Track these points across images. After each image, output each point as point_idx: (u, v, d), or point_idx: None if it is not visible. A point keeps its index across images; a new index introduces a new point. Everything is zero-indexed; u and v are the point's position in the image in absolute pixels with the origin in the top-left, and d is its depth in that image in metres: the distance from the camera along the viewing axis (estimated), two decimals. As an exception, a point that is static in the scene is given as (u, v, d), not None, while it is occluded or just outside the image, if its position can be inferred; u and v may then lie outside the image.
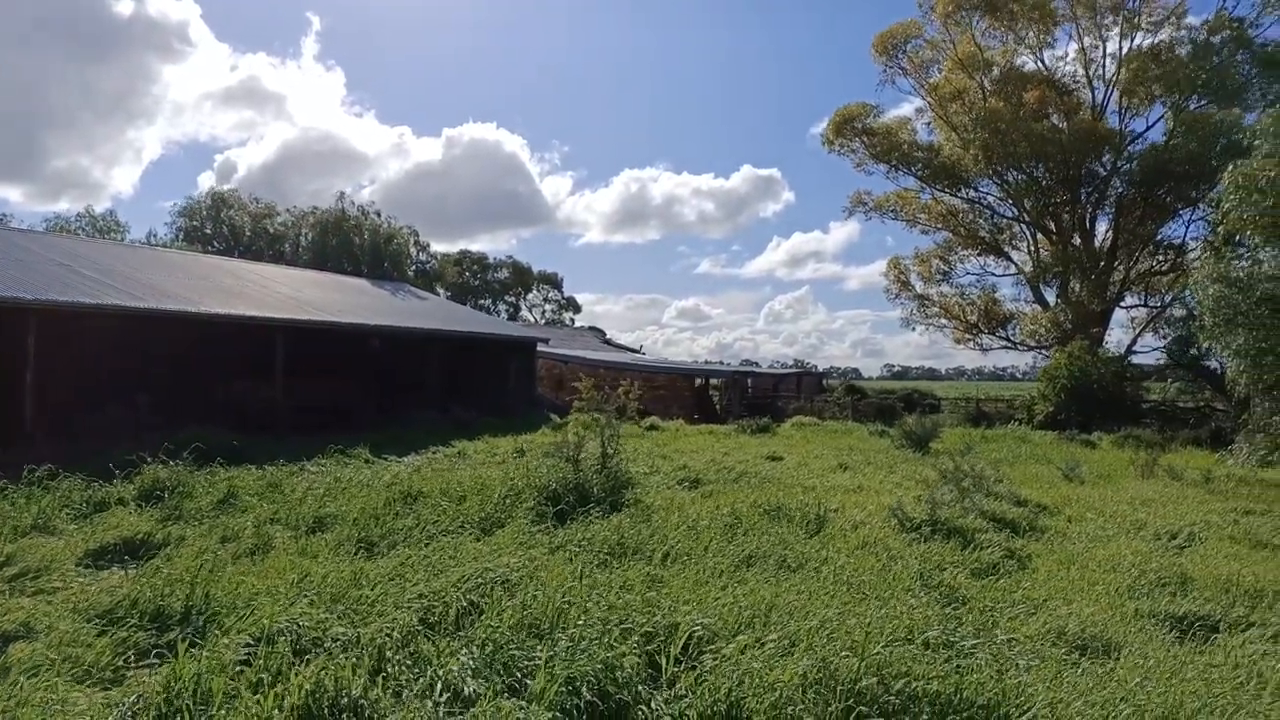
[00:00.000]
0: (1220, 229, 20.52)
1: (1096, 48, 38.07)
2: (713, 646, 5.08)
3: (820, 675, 4.56)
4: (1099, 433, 25.26)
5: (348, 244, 41.51)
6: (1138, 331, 38.14)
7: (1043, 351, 38.77)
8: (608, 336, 64.26)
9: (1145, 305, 38.62)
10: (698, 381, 42.78)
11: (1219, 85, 36.10)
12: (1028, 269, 40.33)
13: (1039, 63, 38.82)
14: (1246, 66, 35.63)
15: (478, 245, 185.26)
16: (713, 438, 25.49)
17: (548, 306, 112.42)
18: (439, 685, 4.66)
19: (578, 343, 44.69)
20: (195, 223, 45.53)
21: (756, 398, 40.67)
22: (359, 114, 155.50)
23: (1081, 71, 38.53)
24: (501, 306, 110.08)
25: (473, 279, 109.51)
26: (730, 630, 5.44)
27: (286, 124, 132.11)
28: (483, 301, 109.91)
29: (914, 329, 44.68)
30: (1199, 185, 34.40)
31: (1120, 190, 36.92)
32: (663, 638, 5.24)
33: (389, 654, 5.08)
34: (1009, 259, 42.26)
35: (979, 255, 43.29)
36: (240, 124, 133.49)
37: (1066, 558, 8.70)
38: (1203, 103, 35.79)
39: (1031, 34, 37.63)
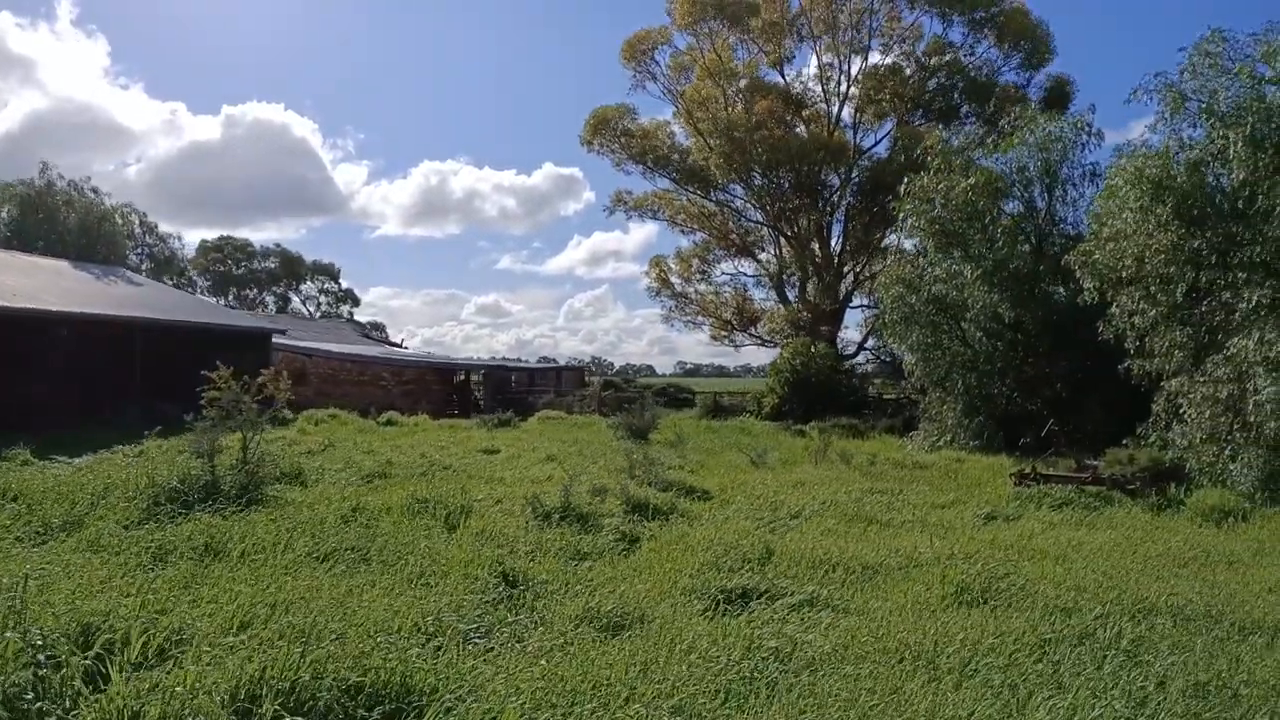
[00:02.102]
0: (901, 235, 22.69)
1: (832, 65, 41.02)
2: (174, 652, 4.71)
3: (258, 676, 4.30)
4: (815, 422, 27.15)
5: (54, 222, 36.82)
6: (867, 330, 41.58)
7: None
8: (370, 329, 61.67)
9: (871, 306, 42.14)
10: (459, 377, 42.02)
11: (939, 104, 40.13)
12: (773, 269, 42.89)
13: (781, 75, 41.35)
14: (959, 87, 39.94)
15: (263, 234, 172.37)
16: (448, 432, 25.00)
17: (323, 299, 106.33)
18: None
19: (331, 335, 42.49)
20: None
21: (518, 392, 40.59)
22: (125, 86, 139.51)
23: (820, 87, 41.43)
24: (270, 298, 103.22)
25: (235, 268, 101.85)
26: (220, 631, 5.09)
27: (37, 92, 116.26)
28: (247, 292, 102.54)
29: (674, 326, 46.32)
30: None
31: (850, 200, 40.06)
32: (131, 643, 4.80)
33: None
34: (758, 260, 44.77)
35: (733, 256, 45.52)
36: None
37: (675, 538, 9.07)
38: (922, 121, 39.55)
39: (771, 47, 39.92)
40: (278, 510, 9.43)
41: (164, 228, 68.37)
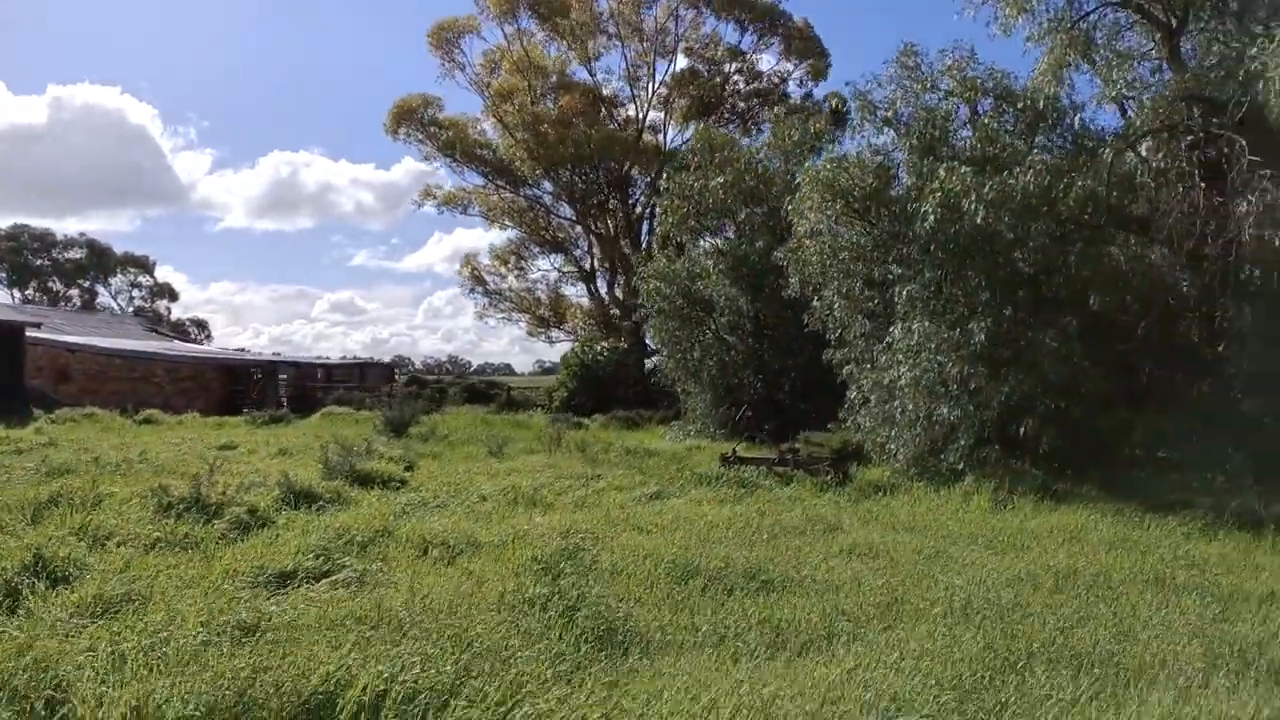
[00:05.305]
0: (660, 230, 23.39)
1: (640, 68, 41.80)
2: None
3: None
4: (599, 415, 27.61)
5: None
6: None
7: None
8: (181, 326, 58.04)
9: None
10: (256, 374, 40.19)
11: (740, 110, 41.65)
12: (585, 266, 43.36)
13: (590, 74, 41.84)
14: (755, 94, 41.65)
15: (90, 224, 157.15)
16: (203, 430, 23.86)
17: (136, 293, 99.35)
18: None
19: (110, 330, 39.62)
20: None
21: (311, 389, 39.33)
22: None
23: (628, 87, 42.16)
24: (75, 291, 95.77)
25: (34, 258, 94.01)
26: None
27: None
28: (51, 285, 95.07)
29: (488, 322, 46.02)
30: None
31: (656, 199, 40.97)
32: None
33: None
34: (571, 257, 45.07)
35: (546, 253, 45.63)
36: None
37: (301, 525, 9.00)
38: (721, 125, 40.91)
39: (578, 47, 40.31)
40: None
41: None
